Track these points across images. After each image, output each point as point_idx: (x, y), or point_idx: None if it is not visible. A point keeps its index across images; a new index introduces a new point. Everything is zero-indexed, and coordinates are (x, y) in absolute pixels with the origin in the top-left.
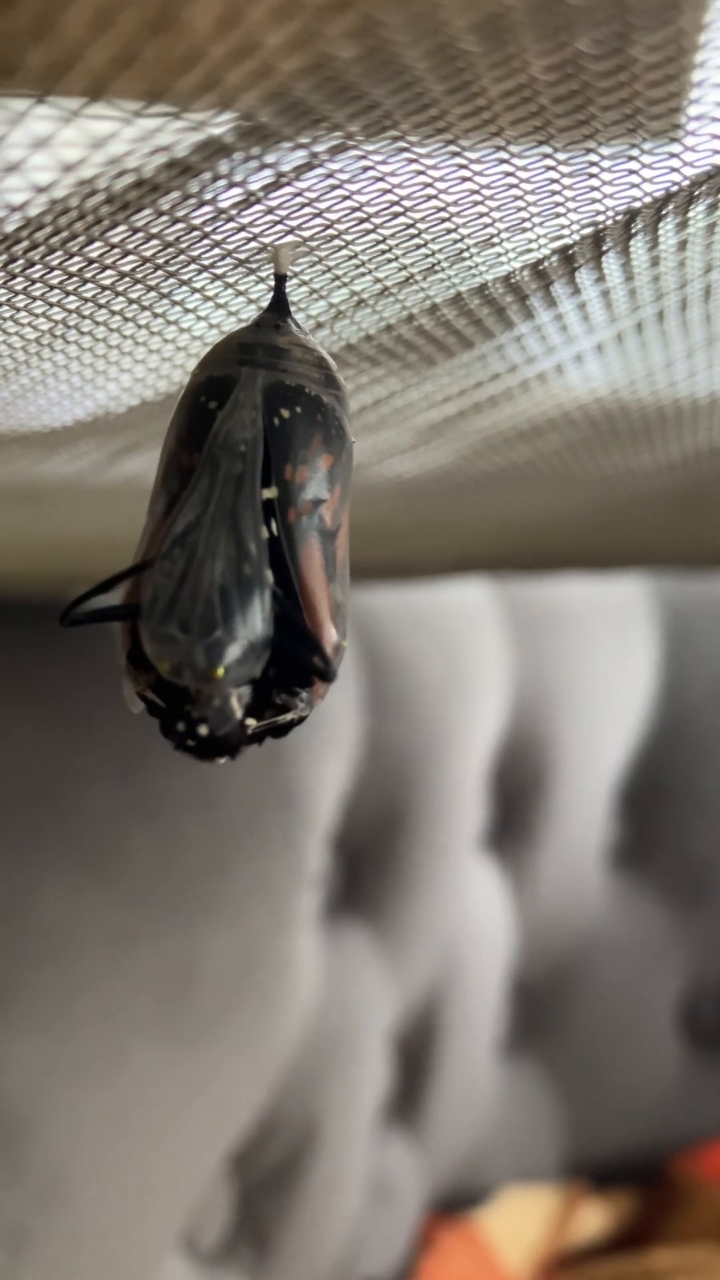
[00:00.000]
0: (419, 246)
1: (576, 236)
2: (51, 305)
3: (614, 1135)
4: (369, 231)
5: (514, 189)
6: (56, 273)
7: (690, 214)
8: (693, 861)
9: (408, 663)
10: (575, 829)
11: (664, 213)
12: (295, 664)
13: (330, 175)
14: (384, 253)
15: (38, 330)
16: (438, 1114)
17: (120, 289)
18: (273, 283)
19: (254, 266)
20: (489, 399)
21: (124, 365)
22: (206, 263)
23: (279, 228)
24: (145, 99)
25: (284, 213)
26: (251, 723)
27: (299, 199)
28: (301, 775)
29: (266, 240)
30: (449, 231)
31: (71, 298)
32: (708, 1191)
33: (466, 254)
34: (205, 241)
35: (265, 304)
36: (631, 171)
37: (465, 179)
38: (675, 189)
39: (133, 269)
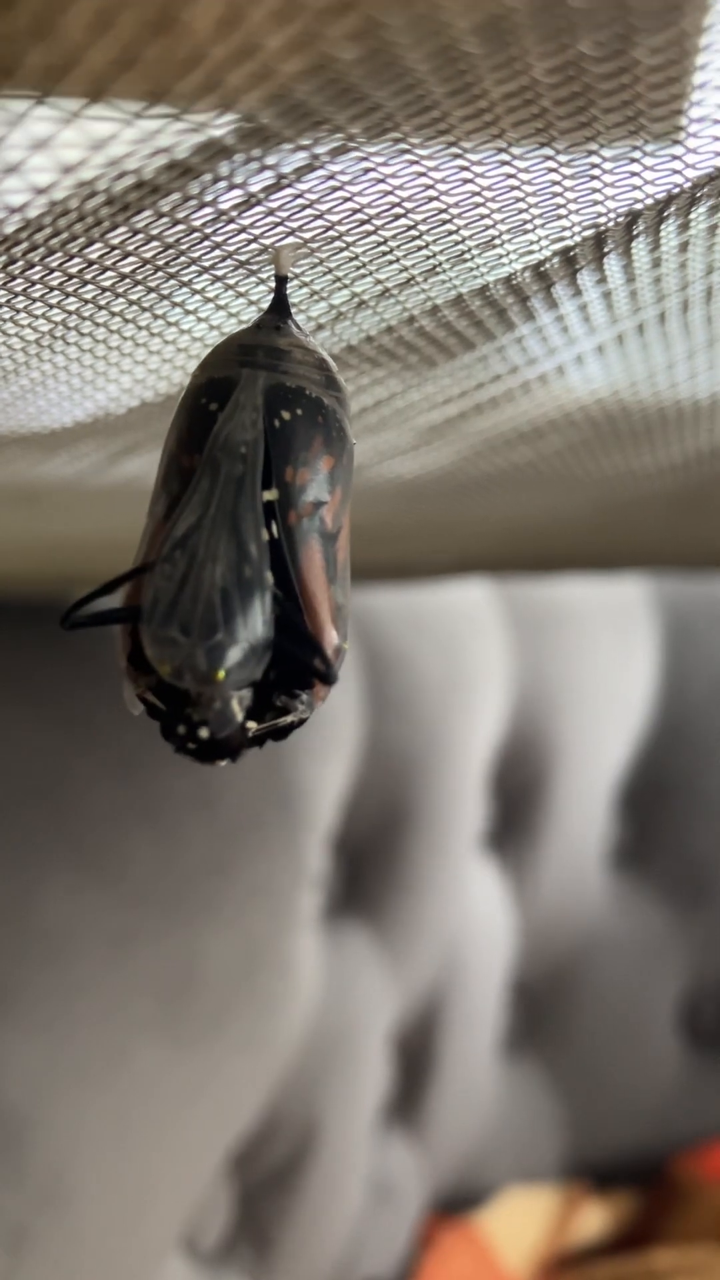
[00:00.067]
0: (420, 248)
1: (578, 238)
2: (51, 307)
3: (614, 1135)
4: (370, 233)
5: (515, 190)
6: (56, 274)
7: (692, 216)
8: (693, 862)
9: (408, 663)
10: (576, 829)
11: (665, 214)
12: (296, 666)
13: (331, 177)
14: (385, 254)
15: (38, 332)
16: (438, 1114)
17: (120, 290)
18: (273, 284)
19: (254, 268)
20: (490, 400)
21: (124, 366)
22: (207, 264)
23: (279, 229)
24: (146, 100)
25: (285, 214)
26: (252, 725)
27: (300, 200)
28: (302, 776)
29: (267, 242)
30: (450, 233)
31: (71, 299)
32: (708, 1192)
33: (468, 255)
34: (206, 243)
35: (266, 305)
36: (633, 174)
37: (467, 180)
38: (677, 191)
39: (133, 270)
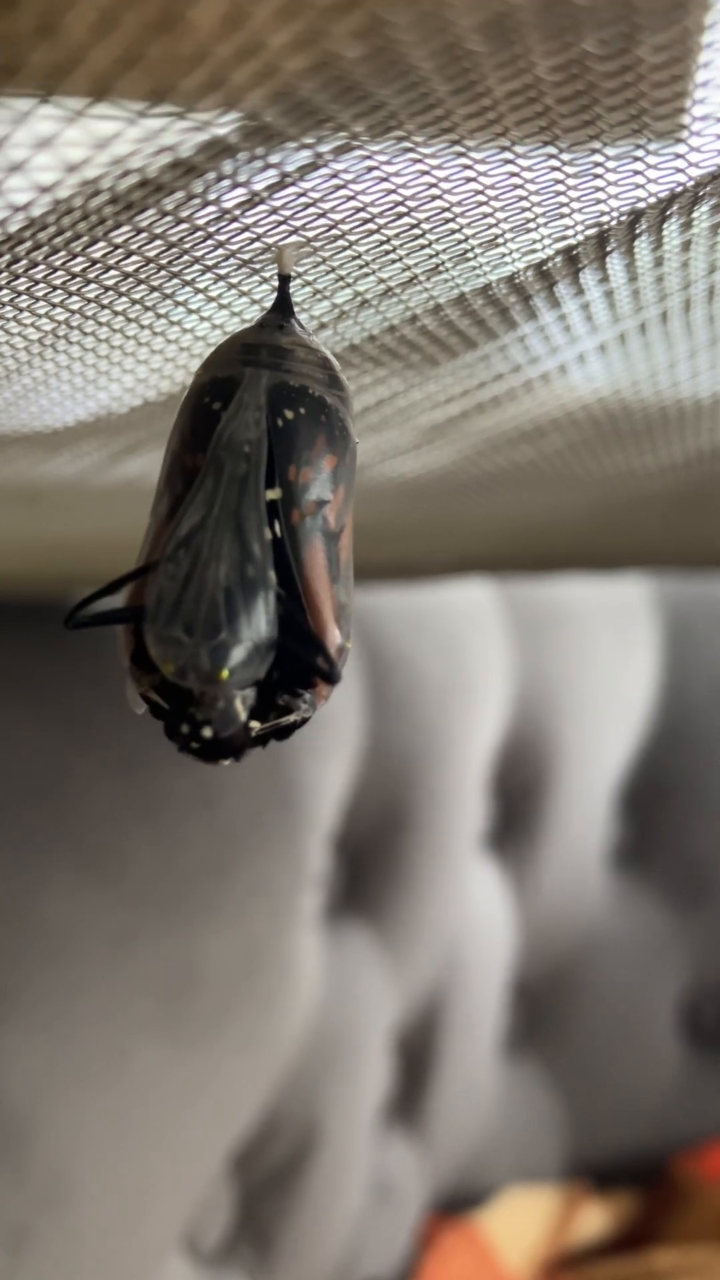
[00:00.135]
0: (423, 247)
1: (581, 237)
2: (54, 306)
3: (615, 1135)
4: (373, 232)
5: (518, 189)
6: (60, 273)
7: (694, 214)
8: (694, 862)
9: (409, 663)
10: (576, 829)
11: (668, 213)
12: (298, 666)
13: (334, 175)
14: (388, 253)
15: (40, 331)
16: (439, 1114)
17: (123, 289)
18: (276, 283)
19: (257, 267)
20: (492, 399)
21: (126, 366)
22: (210, 263)
23: (283, 228)
24: (149, 99)
25: (288, 213)
26: (255, 725)
27: (303, 199)
28: (303, 775)
29: (270, 240)
30: (453, 232)
31: (74, 298)
32: (709, 1192)
33: (470, 254)
34: (209, 242)
35: (269, 304)
36: (636, 172)
37: (470, 179)
38: (680, 189)
39: (136, 269)
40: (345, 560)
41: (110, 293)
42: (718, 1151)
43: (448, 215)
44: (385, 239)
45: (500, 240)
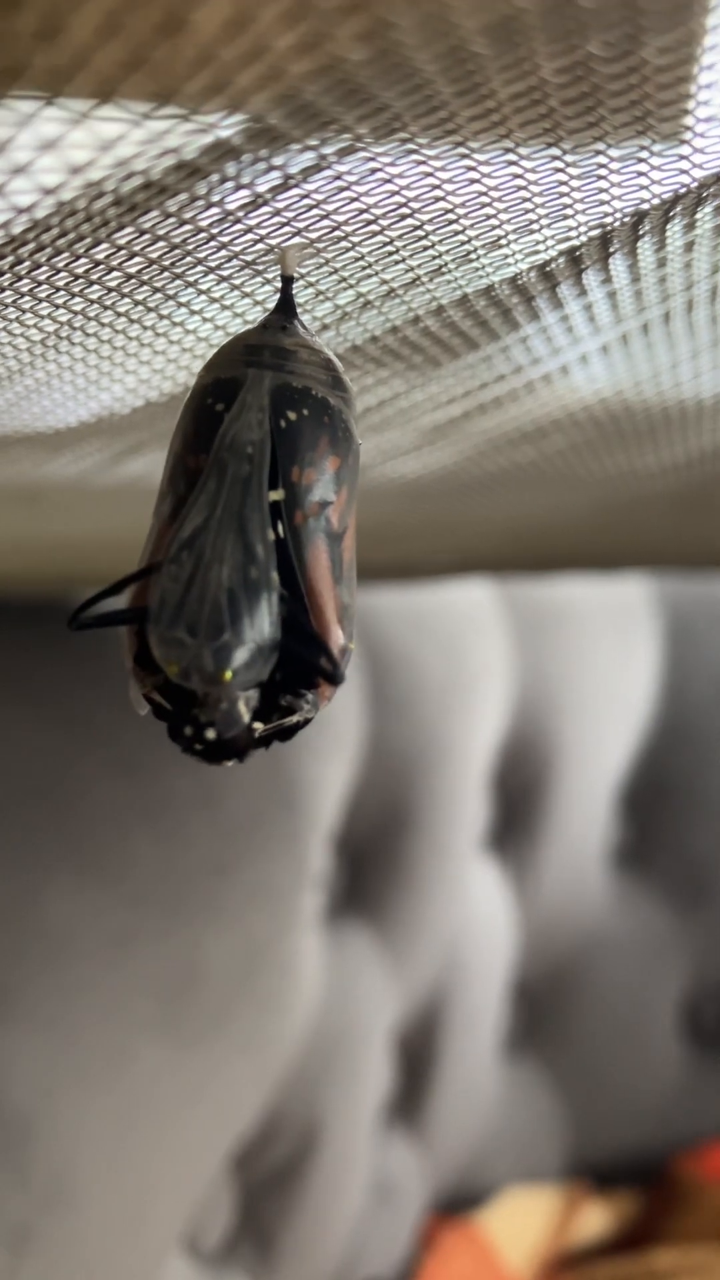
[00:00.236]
0: (426, 248)
1: (584, 238)
2: (58, 307)
3: (616, 1135)
4: (376, 233)
5: (522, 191)
6: (63, 274)
7: (698, 215)
8: (694, 862)
9: (410, 663)
10: (577, 829)
11: (672, 214)
12: (301, 667)
13: (338, 177)
14: (391, 254)
15: (43, 332)
16: (439, 1114)
17: (126, 290)
18: (279, 284)
19: (261, 268)
20: (494, 400)
21: (129, 367)
22: (213, 264)
23: (286, 229)
24: (154, 101)
25: (291, 214)
26: (259, 726)
27: (306, 201)
28: (304, 776)
29: (274, 242)
30: (456, 233)
31: (78, 299)
32: (710, 1192)
33: (474, 255)
34: (212, 243)
35: (272, 306)
36: (640, 174)
37: (473, 180)
38: (684, 190)
39: (139, 270)
40: (348, 561)
41: (113, 294)
42: (718, 1151)
43: (451, 216)
44: (388, 240)
45: (503, 241)
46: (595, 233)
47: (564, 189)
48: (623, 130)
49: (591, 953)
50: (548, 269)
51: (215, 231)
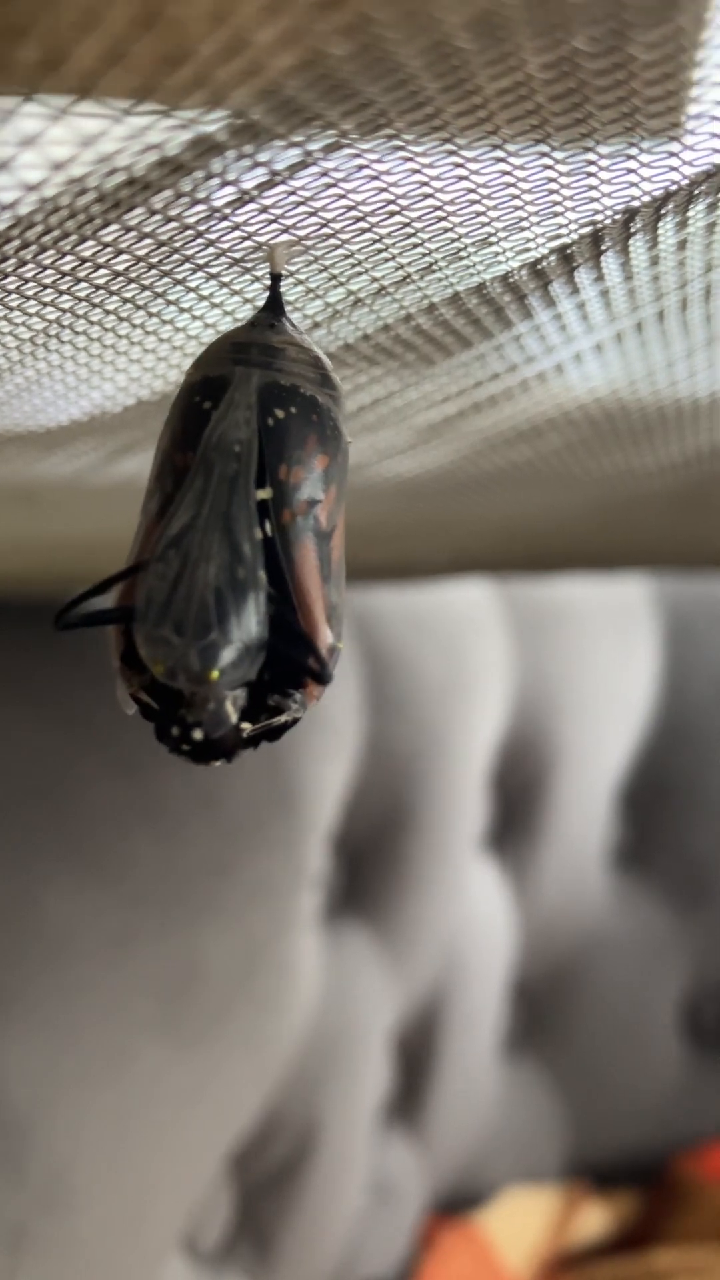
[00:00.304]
0: (416, 246)
1: (575, 236)
2: (45, 305)
3: (615, 1135)
4: (365, 230)
5: (511, 188)
6: (49, 272)
7: (690, 213)
8: (694, 862)
9: (409, 663)
10: (576, 829)
11: (663, 212)
12: (289, 666)
13: (325, 174)
14: (380, 252)
15: (32, 330)
16: (439, 1114)
17: (114, 288)
18: (268, 282)
19: (249, 265)
20: (488, 399)
21: (119, 365)
22: (201, 262)
23: (274, 226)
24: (135, 96)
25: (279, 211)
26: (246, 726)
27: (293, 198)
28: (303, 776)
29: (262, 239)
30: (446, 230)
31: (65, 297)
32: (709, 1192)
33: (464, 253)
34: (199, 240)
35: (261, 304)
36: (630, 170)
37: (462, 177)
38: (674, 188)
39: (126, 268)
40: (337, 560)
41: (101, 291)
42: (718, 1151)
43: (440, 214)
44: (378, 238)
45: (493, 239)
46: (586, 230)
47: (553, 186)
48: (611, 127)
49: (591, 953)
50: (539, 267)
51: (203, 229)
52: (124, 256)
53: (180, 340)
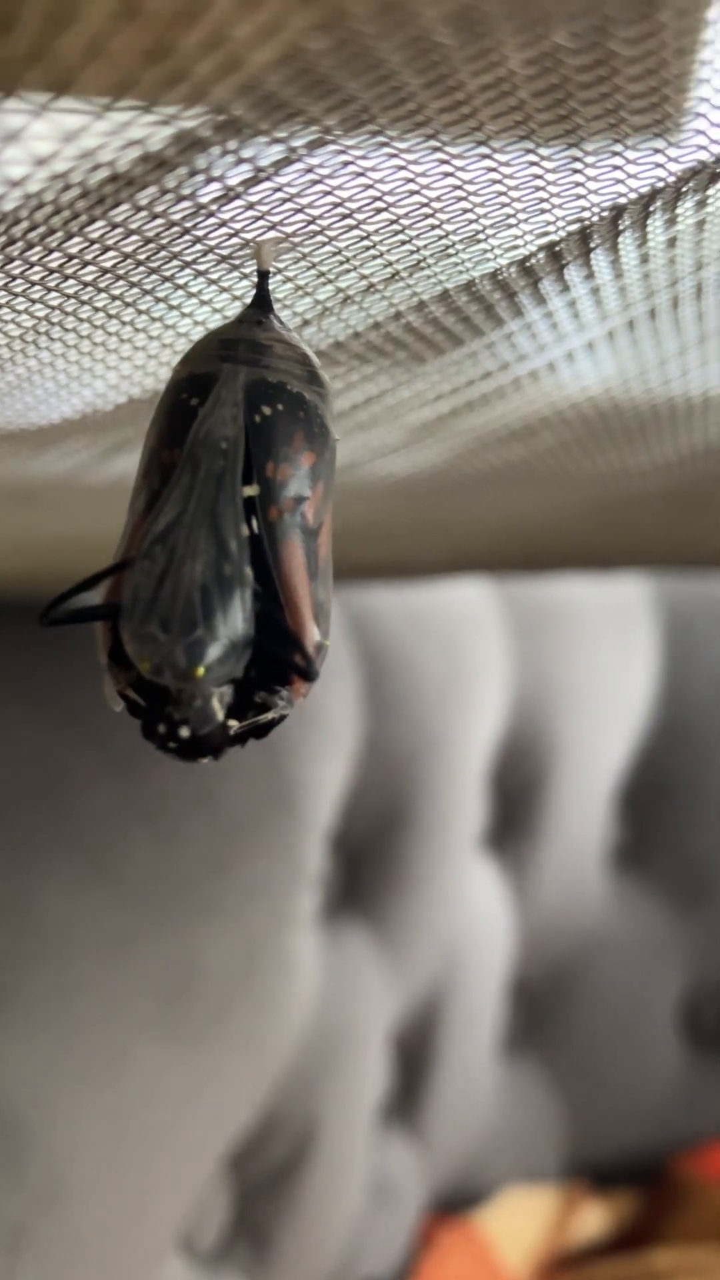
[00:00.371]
0: (404, 243)
1: (563, 233)
2: (34, 302)
3: (615, 1135)
4: (352, 227)
5: (497, 184)
6: (38, 269)
7: (678, 210)
8: (693, 862)
9: (407, 663)
10: (576, 829)
11: (651, 209)
12: (276, 663)
13: (310, 170)
14: (369, 249)
15: (21, 327)
16: (438, 1114)
17: (103, 285)
18: (256, 279)
19: (237, 262)
20: (480, 397)
21: (110, 362)
22: (189, 259)
23: (260, 223)
24: (116, 91)
25: (265, 208)
26: (233, 724)
27: (279, 194)
28: (301, 775)
29: (249, 236)
30: (433, 227)
31: (54, 294)
32: (709, 1192)
33: (452, 250)
34: (187, 237)
35: (249, 300)
36: (616, 167)
37: (448, 174)
38: (662, 185)
39: (114, 265)
40: (324, 557)
41: (90, 288)
42: (717, 1151)
43: (427, 211)
44: (365, 234)
45: (481, 236)
46: (574, 227)
47: (540, 182)
48: (595, 123)
49: (590, 952)
50: (528, 264)
51: (189, 226)
52: (112, 253)
53: (170, 338)
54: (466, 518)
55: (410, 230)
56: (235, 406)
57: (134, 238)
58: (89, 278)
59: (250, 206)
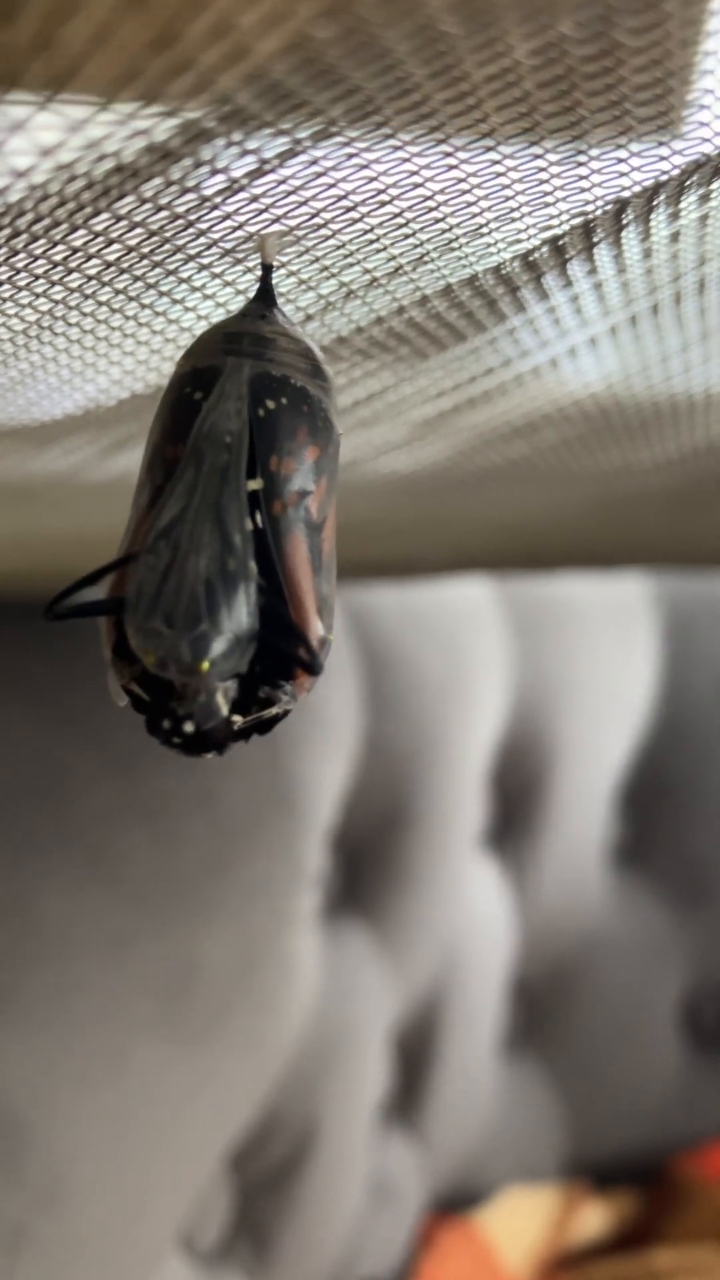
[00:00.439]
0: (407, 236)
1: (566, 227)
2: (38, 296)
3: (615, 1135)
4: (355, 221)
5: (501, 177)
6: (41, 262)
7: (682, 205)
8: (694, 861)
9: (408, 661)
10: (576, 828)
11: (654, 203)
12: (279, 657)
13: (314, 163)
14: (371, 243)
15: (25, 321)
16: (438, 1113)
17: (106, 279)
18: (259, 273)
19: (241, 256)
20: (483, 394)
21: (113, 357)
22: (193, 252)
23: (264, 216)
24: (120, 81)
25: (269, 201)
26: (237, 719)
27: (283, 187)
28: (301, 774)
29: (253, 229)
30: (437, 220)
31: (58, 288)
32: (709, 1192)
33: (455, 244)
34: (190, 230)
35: (252, 294)
36: (619, 160)
37: (451, 167)
38: (665, 178)
39: (118, 258)
40: (328, 552)
41: (94, 282)
42: (718, 1151)
43: (430, 204)
44: (368, 228)
45: (485, 230)
46: (577, 221)
47: (543, 175)
48: (600, 115)
49: (591, 952)
50: (531, 258)
51: (193, 218)
52: (115, 246)
53: (173, 332)
54: (468, 515)
55: (413, 224)
56: (239, 400)
57: (138, 231)
58: (93, 271)
59: (254, 199)
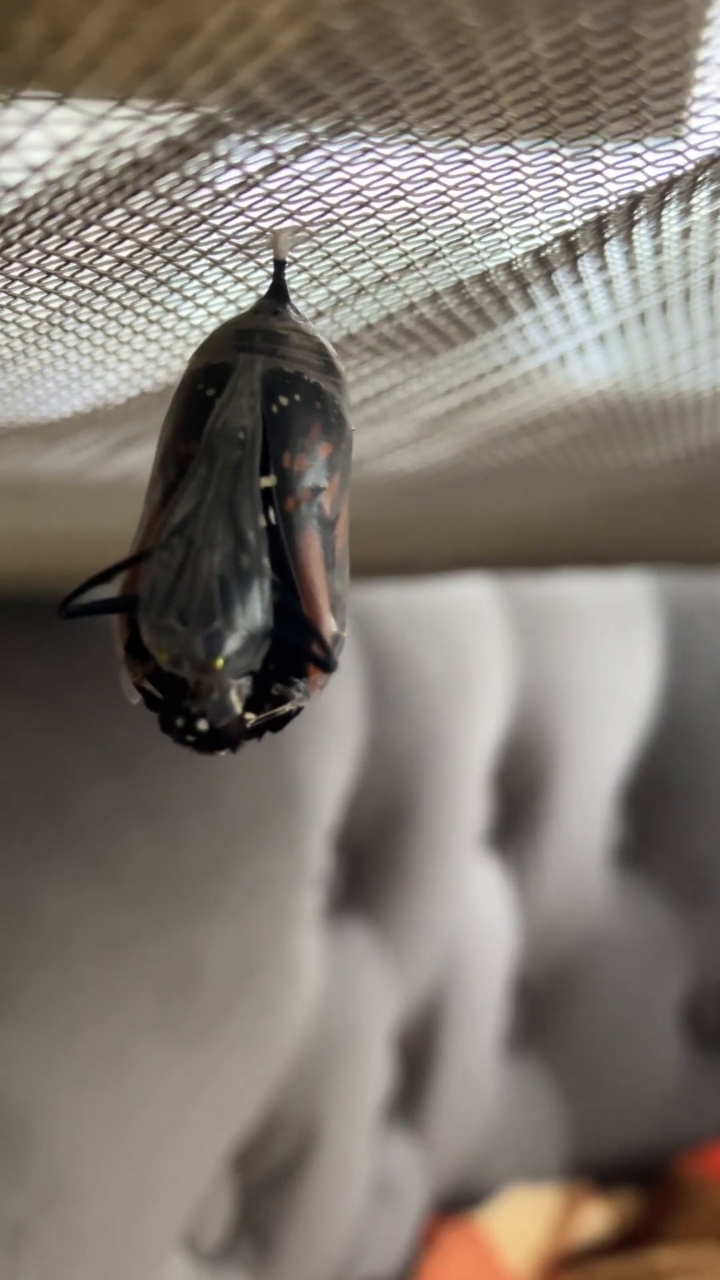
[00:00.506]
0: (419, 232)
1: (579, 222)
2: (48, 293)
3: (617, 1135)
4: (369, 216)
5: (515, 173)
6: (53, 258)
7: (694, 200)
8: (695, 861)
9: (410, 661)
10: (578, 828)
11: (667, 199)
12: (293, 654)
13: (329, 158)
14: (384, 238)
15: (34, 319)
16: (440, 1113)
17: (118, 275)
18: (272, 269)
19: (253, 252)
20: (491, 391)
21: (122, 355)
22: (205, 248)
23: (278, 212)
24: (142, 76)
25: (283, 196)
26: (251, 717)
27: (298, 182)
28: (303, 774)
29: (266, 225)
30: (450, 216)
31: (69, 284)
32: (711, 1191)
33: (468, 240)
34: (204, 226)
35: (265, 290)
36: (634, 155)
37: (466, 162)
38: (679, 173)
39: (130, 254)
40: (341, 548)
41: (105, 279)
42: (719, 1151)
43: (444, 199)
44: (381, 224)
45: (498, 225)
46: (590, 217)
47: (558, 170)
48: (616, 109)
49: (592, 952)
50: (542, 255)
51: (207, 214)
52: (128, 243)
53: (184, 330)
54: (474, 514)
55: (427, 219)
56: (252, 397)
57: (150, 227)
58: (104, 268)
59: (268, 195)
